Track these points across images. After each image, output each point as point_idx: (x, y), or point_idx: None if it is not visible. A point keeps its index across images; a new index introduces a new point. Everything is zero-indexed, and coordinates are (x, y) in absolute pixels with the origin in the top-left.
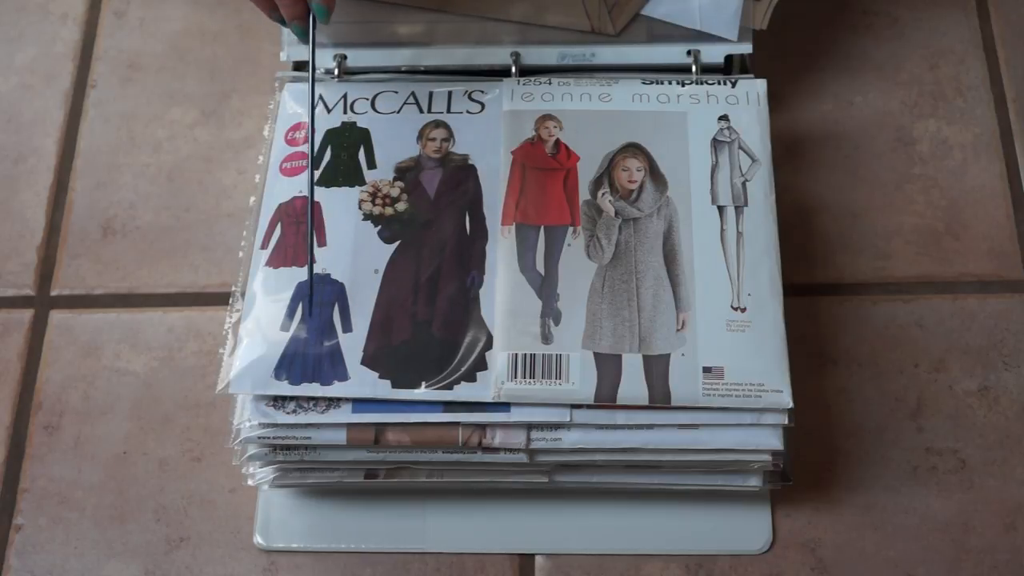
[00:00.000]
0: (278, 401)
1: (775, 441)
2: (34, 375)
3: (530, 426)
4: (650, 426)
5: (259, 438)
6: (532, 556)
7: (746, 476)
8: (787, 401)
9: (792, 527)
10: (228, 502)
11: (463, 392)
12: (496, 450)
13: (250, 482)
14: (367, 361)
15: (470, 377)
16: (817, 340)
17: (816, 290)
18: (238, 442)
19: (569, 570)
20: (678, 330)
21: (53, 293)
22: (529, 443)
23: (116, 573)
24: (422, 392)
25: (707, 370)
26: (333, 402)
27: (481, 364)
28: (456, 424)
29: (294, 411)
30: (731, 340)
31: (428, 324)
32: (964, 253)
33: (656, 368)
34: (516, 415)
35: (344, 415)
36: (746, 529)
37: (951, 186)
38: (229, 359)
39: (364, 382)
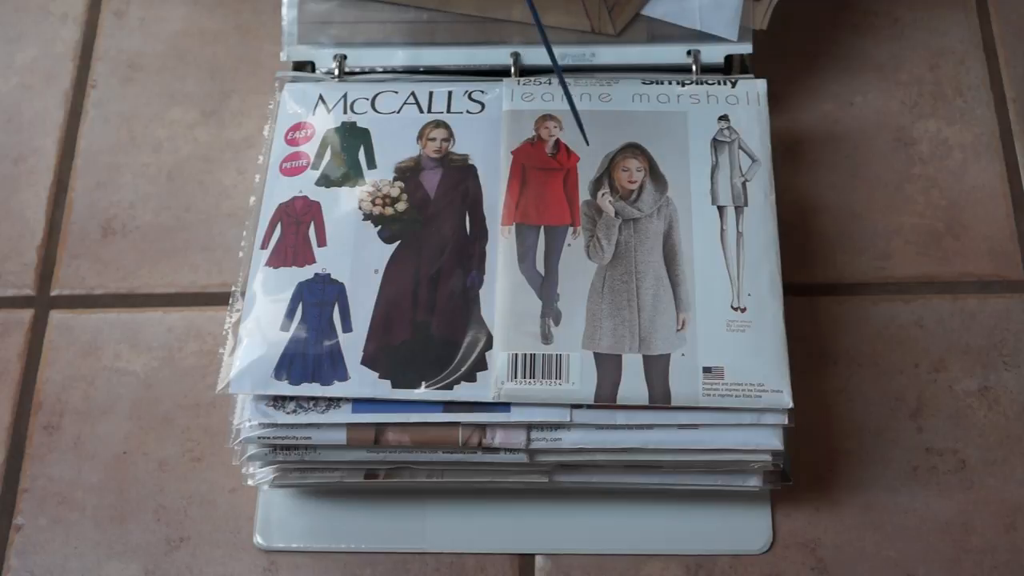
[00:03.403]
0: (278, 401)
1: (775, 441)
2: (34, 375)
3: (530, 426)
4: (650, 426)
5: (259, 438)
6: (532, 556)
7: (746, 476)
8: (787, 401)
9: (792, 527)
10: (228, 502)
11: (463, 392)
12: (496, 450)
13: (250, 482)
14: (367, 361)
15: (470, 377)
16: (817, 340)
17: (816, 290)
18: (238, 442)
19: (569, 570)
20: (678, 330)
21: (53, 293)
22: (529, 443)
23: (116, 573)
24: (422, 392)
25: (707, 370)
26: (333, 402)
27: (481, 364)
28: (456, 424)
29: (294, 411)
30: (731, 340)
31: (428, 324)
32: (964, 253)
33: (656, 368)
34: (516, 415)
35: (344, 415)
36: (746, 529)
37: (951, 186)
38: (229, 359)
39: (364, 382)
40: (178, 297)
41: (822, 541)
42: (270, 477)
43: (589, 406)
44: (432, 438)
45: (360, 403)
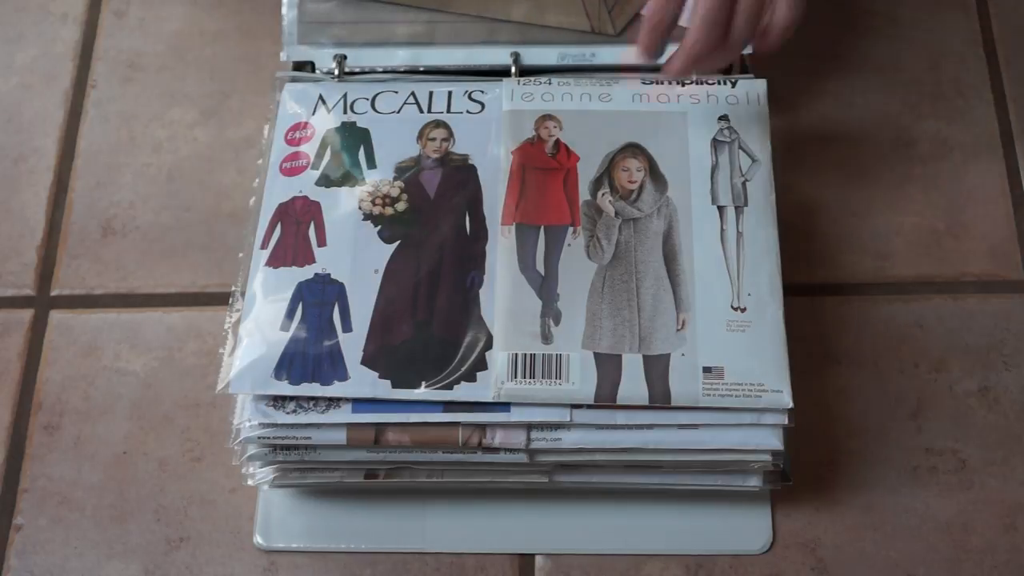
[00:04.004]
0: (278, 401)
1: (775, 441)
2: (34, 375)
3: (530, 426)
4: (650, 426)
5: (259, 438)
6: (532, 556)
7: (746, 476)
8: (787, 401)
9: (792, 527)
10: (228, 502)
11: (463, 392)
12: (496, 450)
13: (250, 482)
14: (367, 361)
15: (470, 377)
16: (817, 340)
17: (816, 290)
18: (238, 442)
19: (569, 570)
20: (678, 330)
21: (53, 293)
22: (529, 443)
23: (116, 573)
24: (422, 392)
25: (707, 370)
26: (333, 402)
27: (481, 364)
28: (456, 424)
29: (294, 411)
30: (731, 340)
31: (428, 324)
32: (964, 253)
33: (656, 368)
34: (516, 415)
35: (344, 415)
36: (746, 529)
37: (951, 186)
38: (229, 359)
39: (364, 382)
40: (178, 297)
41: (822, 541)
42: (270, 477)
43: (589, 406)
44: (432, 438)
45: (360, 403)
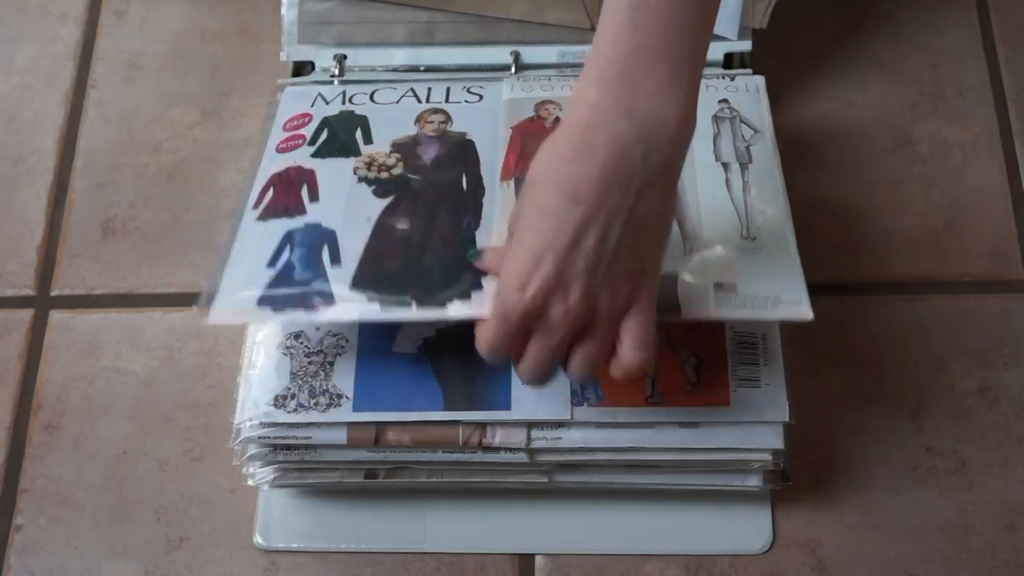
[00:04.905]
0: (279, 400)
1: (775, 440)
2: (34, 375)
3: (530, 425)
4: (651, 424)
5: (259, 438)
6: (532, 556)
7: (746, 476)
8: (806, 312)
9: (792, 527)
10: (228, 502)
11: (457, 310)
12: (496, 450)
13: (250, 482)
14: (355, 285)
15: (464, 295)
16: (817, 340)
17: (815, 290)
18: (238, 442)
19: (569, 570)
20: (685, 255)
21: (53, 293)
22: (529, 442)
23: (116, 573)
24: (414, 312)
25: (719, 286)
26: (334, 401)
27: (477, 285)
28: (457, 423)
29: (295, 410)
30: (743, 259)
31: (420, 256)
32: (964, 253)
33: (664, 288)
34: (516, 412)
35: (345, 414)
36: (746, 529)
37: (951, 186)
38: (212, 288)
39: (353, 303)
40: (178, 297)
41: (822, 541)
42: (270, 477)
43: (591, 404)
44: (432, 437)
45: (361, 402)
